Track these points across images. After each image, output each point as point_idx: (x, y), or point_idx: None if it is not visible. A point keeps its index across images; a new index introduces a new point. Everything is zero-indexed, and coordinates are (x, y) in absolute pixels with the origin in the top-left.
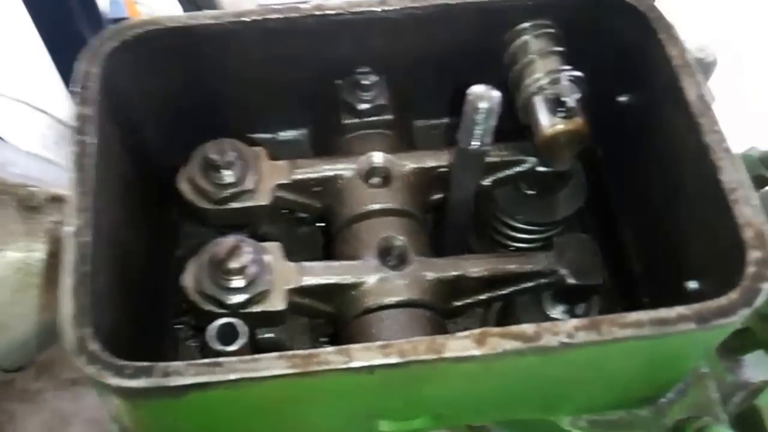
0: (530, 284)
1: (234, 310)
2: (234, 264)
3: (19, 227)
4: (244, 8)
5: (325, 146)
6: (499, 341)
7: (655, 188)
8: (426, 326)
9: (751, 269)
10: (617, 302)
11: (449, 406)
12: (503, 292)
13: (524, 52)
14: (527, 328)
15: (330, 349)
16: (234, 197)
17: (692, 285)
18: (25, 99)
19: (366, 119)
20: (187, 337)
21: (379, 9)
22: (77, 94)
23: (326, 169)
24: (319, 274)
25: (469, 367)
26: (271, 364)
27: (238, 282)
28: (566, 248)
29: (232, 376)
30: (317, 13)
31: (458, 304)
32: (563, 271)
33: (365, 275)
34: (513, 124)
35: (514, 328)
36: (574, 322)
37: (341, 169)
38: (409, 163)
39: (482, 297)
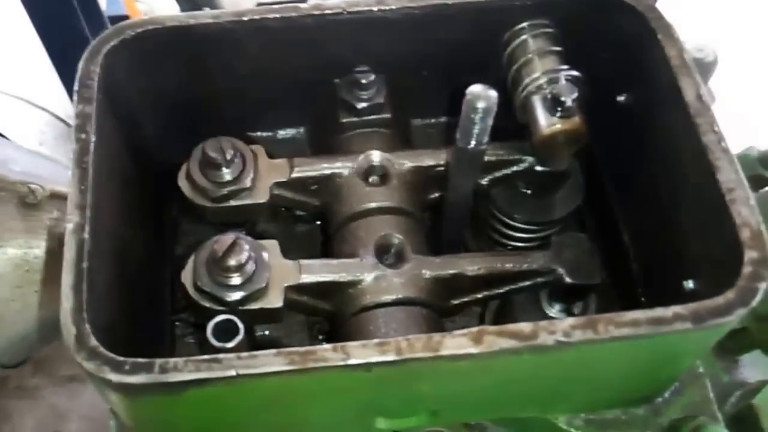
0: (527, 283)
1: (232, 307)
2: (232, 261)
3: (19, 224)
4: (243, 7)
5: (324, 145)
6: (495, 339)
7: (653, 188)
8: (423, 324)
9: (747, 269)
10: (614, 302)
11: (446, 404)
12: (500, 290)
13: (522, 52)
14: (524, 326)
15: (327, 346)
16: (232, 195)
17: (689, 285)
18: (24, 96)
19: (364, 118)
20: (185, 334)
21: (376, 9)
22: (78, 92)
23: (324, 167)
24: (316, 271)
25: (466, 365)
26: (269, 361)
27: (236, 279)
28: (564, 247)
29: (230, 373)
30: (316, 12)
31: (455, 302)
32: (560, 271)
33: (363, 273)
34: (511, 123)
35: (511, 327)
36: (571, 320)
37: (339, 167)
38: (407, 162)
39: (479, 295)
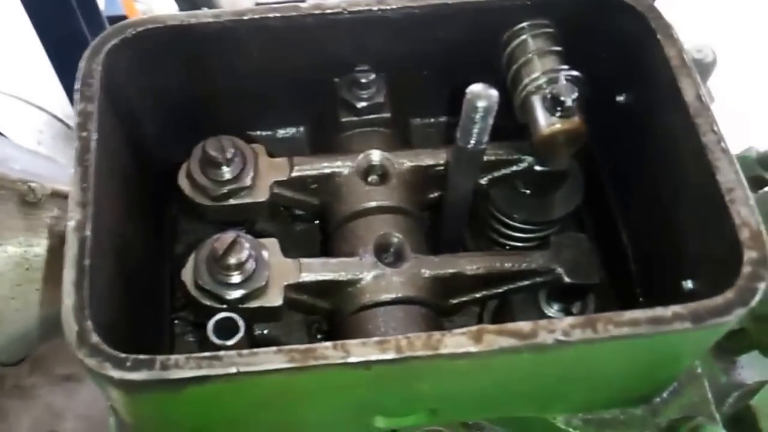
0: (526, 283)
1: (232, 306)
2: (232, 259)
3: (19, 222)
4: (242, 7)
5: (323, 144)
6: (495, 338)
7: (652, 188)
8: (422, 323)
9: (747, 269)
10: (612, 302)
11: (445, 403)
12: (499, 290)
13: (522, 52)
14: (524, 325)
15: (328, 344)
16: (232, 193)
17: (688, 285)
18: (22, 96)
19: (364, 117)
20: (184, 332)
21: (376, 8)
22: (80, 91)
23: (324, 166)
24: (316, 270)
25: (465, 364)
26: (270, 359)
27: (236, 277)
28: (563, 247)
29: (231, 370)
30: (316, 12)
31: (454, 301)
32: (559, 270)
33: (362, 272)
34: (511, 123)
35: (511, 326)
36: (570, 319)
37: (339, 166)
38: (407, 161)
39: (478, 295)
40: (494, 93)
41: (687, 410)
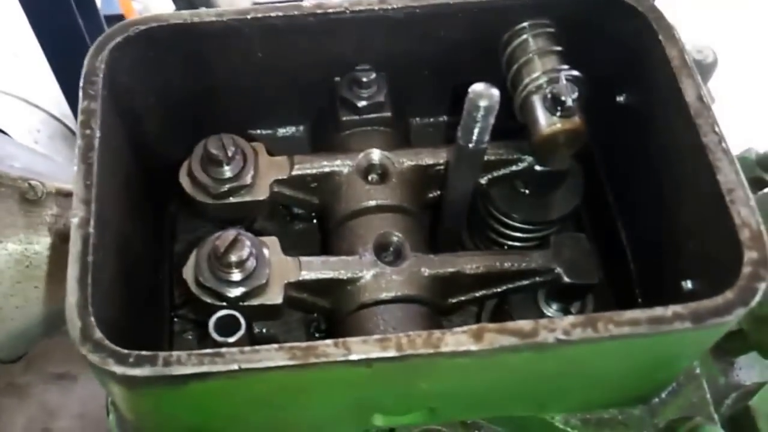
0: (526, 282)
1: (232, 303)
2: (233, 257)
3: (20, 220)
4: (240, 6)
5: (323, 143)
6: (496, 337)
7: (653, 188)
8: (421, 322)
9: (747, 269)
10: (611, 302)
11: (444, 402)
12: (498, 289)
13: (523, 51)
14: (524, 324)
15: (329, 341)
16: (232, 192)
17: (687, 285)
18: (19, 94)
19: (364, 116)
20: (183, 330)
21: (378, 8)
22: (83, 89)
23: (324, 165)
24: (316, 268)
25: (465, 362)
26: (271, 356)
27: (236, 275)
28: (562, 247)
29: (233, 367)
30: (318, 11)
31: (453, 301)
32: (559, 270)
33: (362, 270)
34: (511, 122)
35: (511, 324)
36: (571, 319)
37: (339, 165)
38: (407, 161)
39: (477, 294)
40: (496, 92)
41: (685, 411)
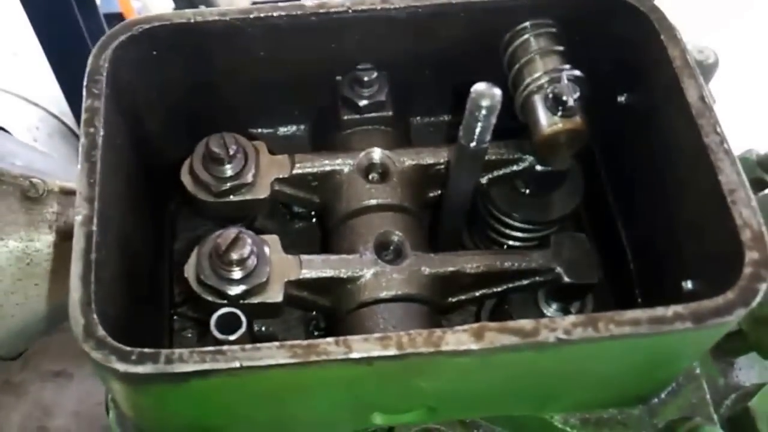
0: (526, 282)
1: (233, 301)
2: (234, 255)
3: (21, 218)
4: (241, 4)
5: (324, 142)
6: (496, 336)
7: (653, 188)
8: (421, 321)
9: (748, 270)
10: (611, 302)
11: (444, 400)
12: (498, 289)
13: (525, 51)
14: (525, 323)
15: (330, 339)
16: (234, 190)
17: (688, 285)
18: (18, 92)
19: (365, 115)
20: (183, 328)
21: (380, 7)
22: (87, 87)
23: (325, 164)
24: (316, 267)
25: (465, 361)
26: (272, 354)
27: (237, 273)
28: (562, 247)
29: (234, 364)
30: (321, 10)
31: (453, 300)
32: (559, 270)
33: (362, 269)
34: (512, 122)
35: (512, 323)
36: (572, 318)
37: (340, 164)
38: (408, 160)
39: (477, 293)
40: (498, 92)
41: (685, 411)
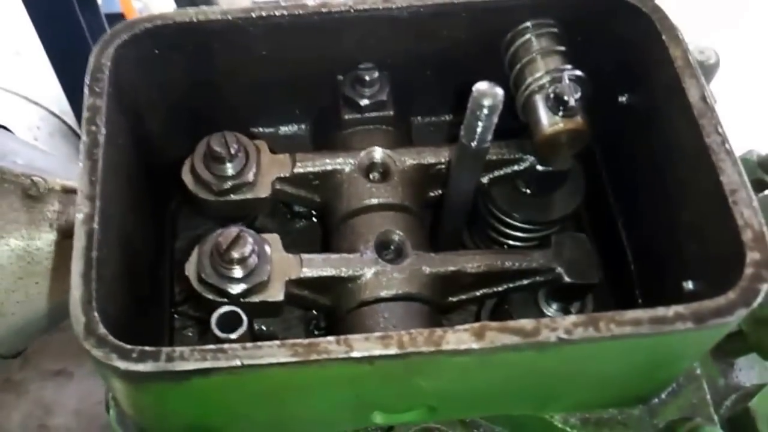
0: (526, 282)
1: (234, 300)
2: (235, 253)
3: (22, 216)
4: (243, 3)
5: (325, 141)
6: (497, 335)
7: (654, 189)
8: (422, 320)
9: (749, 270)
10: (611, 303)
11: (444, 400)
12: (499, 288)
13: (526, 51)
14: (526, 323)
15: (331, 338)
16: (234, 189)
17: (689, 285)
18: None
19: (366, 115)
20: (184, 327)
21: (382, 7)
22: (89, 86)
23: (326, 163)
24: (317, 266)
25: (466, 361)
26: (273, 352)
27: (238, 272)
28: (563, 247)
29: (235, 363)
30: (323, 10)
31: (454, 299)
32: (559, 270)
33: (363, 268)
34: (513, 122)
35: (513, 323)
36: (573, 318)
37: (341, 163)
38: (409, 159)
39: (478, 293)
40: (500, 91)
41: (685, 411)
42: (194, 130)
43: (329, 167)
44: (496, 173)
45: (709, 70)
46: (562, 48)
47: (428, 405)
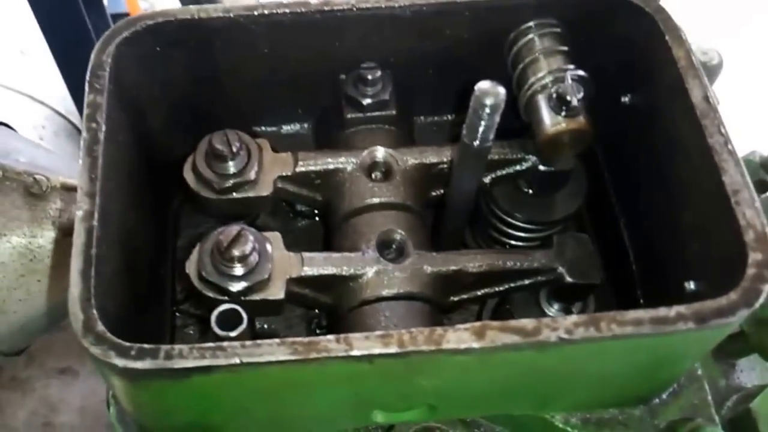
0: (528, 282)
1: (234, 298)
2: (236, 251)
3: (24, 214)
4: (246, 1)
5: (328, 140)
6: (498, 335)
7: (657, 189)
8: (423, 319)
9: (751, 271)
10: (613, 303)
11: (444, 399)
12: (500, 288)
13: (529, 51)
14: (527, 322)
15: (330, 337)
16: (236, 187)
17: (690, 286)
18: (25, 90)
19: (369, 114)
20: (185, 325)
21: (385, 5)
22: (89, 82)
23: (328, 162)
24: (318, 264)
25: (466, 360)
26: (273, 350)
27: (239, 269)
28: (565, 247)
29: (234, 361)
30: (325, 8)
31: (455, 299)
32: (561, 270)
33: (364, 267)
34: (515, 122)
35: (514, 322)
36: (574, 318)
37: (343, 162)
38: (411, 159)
39: (479, 293)
40: (502, 90)
41: (686, 412)
42: (196, 128)
43: (331, 166)
44: (498, 173)
45: (712, 71)
46: (565, 48)
47: (428, 404)
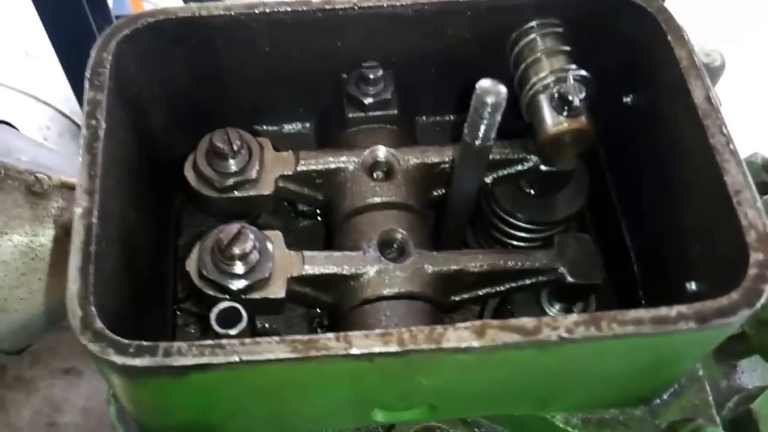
0: (529, 281)
1: (235, 296)
2: (236, 250)
3: (26, 212)
4: (247, 0)
5: (329, 140)
6: (498, 333)
7: (658, 189)
8: (424, 319)
9: (753, 271)
10: (615, 303)
11: (445, 398)
12: (501, 288)
13: (531, 51)
14: (527, 321)
15: (330, 335)
16: (237, 186)
17: (692, 286)
18: (29, 91)
19: (370, 113)
20: (186, 323)
21: (387, 4)
22: (90, 80)
23: (330, 161)
24: (319, 263)
25: (466, 359)
26: (272, 348)
27: (239, 268)
28: (566, 247)
29: (233, 358)
30: (327, 7)
31: (456, 298)
32: (562, 270)
33: (365, 266)
34: (517, 122)
35: (514, 321)
36: (574, 317)
37: (345, 161)
38: (412, 158)
39: (480, 292)
40: (503, 89)
41: (687, 412)
42: (197, 126)
43: (333, 165)
44: (500, 173)
45: (714, 72)
46: (567, 48)
47: (429, 403)
